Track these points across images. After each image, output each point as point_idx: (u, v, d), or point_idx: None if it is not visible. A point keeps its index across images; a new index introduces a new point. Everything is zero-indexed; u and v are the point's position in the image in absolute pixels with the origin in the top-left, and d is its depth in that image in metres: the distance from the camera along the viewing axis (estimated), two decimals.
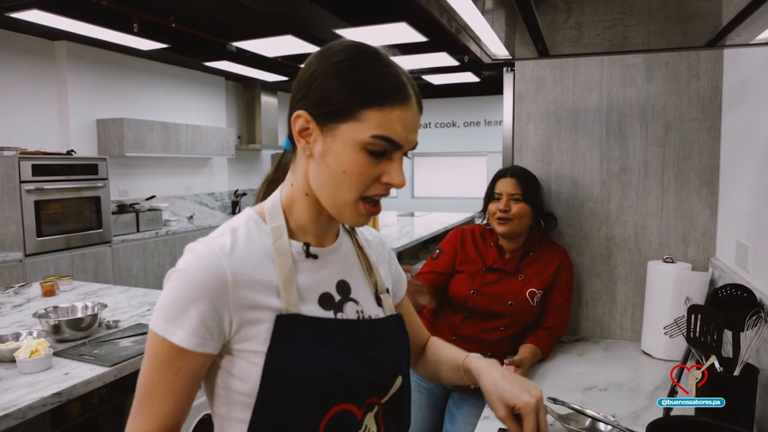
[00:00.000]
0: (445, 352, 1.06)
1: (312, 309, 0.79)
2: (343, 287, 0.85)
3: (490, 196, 1.76)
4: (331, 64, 0.75)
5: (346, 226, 0.93)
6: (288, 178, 0.84)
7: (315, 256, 0.82)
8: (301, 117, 0.76)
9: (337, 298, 0.83)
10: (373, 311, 0.88)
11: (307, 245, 0.82)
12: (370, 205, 0.78)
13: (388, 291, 0.93)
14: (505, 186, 1.71)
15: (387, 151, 0.75)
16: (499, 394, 0.87)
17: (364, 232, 0.98)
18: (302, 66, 0.79)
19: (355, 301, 0.86)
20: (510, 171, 1.76)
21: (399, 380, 0.87)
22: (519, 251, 1.75)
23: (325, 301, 0.82)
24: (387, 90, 0.73)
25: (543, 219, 1.80)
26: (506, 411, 0.86)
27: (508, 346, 1.67)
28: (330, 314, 0.81)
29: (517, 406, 0.85)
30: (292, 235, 0.82)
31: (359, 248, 0.93)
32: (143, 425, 0.74)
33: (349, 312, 0.84)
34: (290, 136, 0.81)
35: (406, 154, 0.79)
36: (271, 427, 0.75)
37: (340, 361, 0.78)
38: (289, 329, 0.75)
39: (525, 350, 1.62)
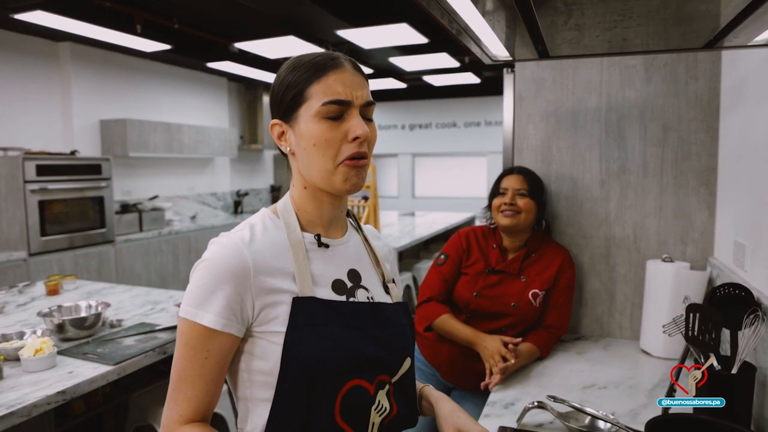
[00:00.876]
0: None
1: (326, 293, 0.87)
2: (354, 275, 0.93)
3: (496, 191, 1.77)
4: (278, 75, 0.89)
5: (353, 222, 1.02)
6: (291, 182, 0.94)
7: (326, 246, 0.91)
8: (275, 125, 0.89)
9: (349, 284, 0.91)
10: (382, 298, 0.96)
11: (318, 236, 0.90)
12: (351, 162, 0.84)
13: (394, 282, 1.02)
14: (512, 182, 1.73)
15: (342, 112, 0.84)
16: (455, 420, 0.94)
17: (373, 232, 1.07)
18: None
19: (366, 288, 0.93)
20: (516, 169, 1.78)
21: (408, 361, 0.94)
22: (521, 252, 1.76)
23: (338, 286, 0.89)
24: (319, 66, 0.85)
25: (545, 220, 1.81)
26: None
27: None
28: (343, 298, 0.89)
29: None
30: (303, 228, 0.90)
31: (367, 242, 1.01)
32: (179, 410, 0.81)
33: (361, 297, 0.92)
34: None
35: (367, 116, 0.86)
36: (293, 403, 0.81)
37: (353, 339, 0.85)
38: (305, 310, 0.82)
39: (522, 348, 1.63)
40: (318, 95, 0.83)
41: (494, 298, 1.71)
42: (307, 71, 0.84)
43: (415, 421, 0.99)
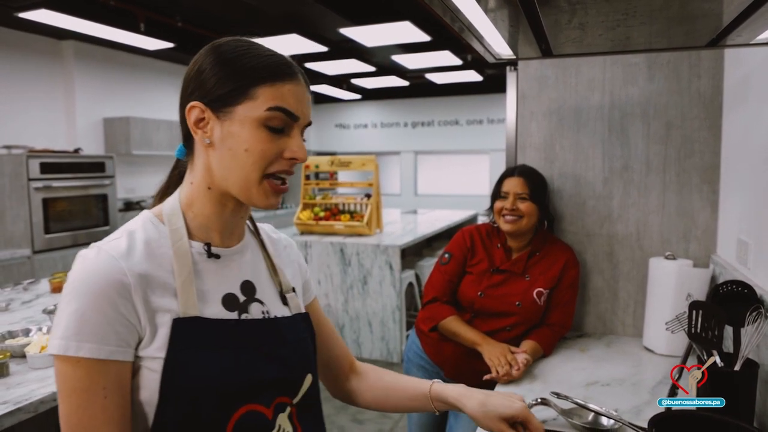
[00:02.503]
0: (393, 380, 1.04)
1: (215, 311, 0.78)
2: (248, 288, 0.84)
3: (497, 194, 1.76)
4: (219, 54, 0.77)
5: (251, 226, 0.93)
6: (186, 179, 0.83)
7: (217, 256, 0.81)
8: (196, 107, 0.77)
9: (242, 298, 0.82)
10: (279, 311, 0.87)
11: (208, 245, 0.80)
12: (276, 184, 0.78)
13: (294, 290, 0.92)
14: (512, 185, 1.72)
15: (285, 126, 0.77)
16: (492, 412, 0.89)
17: (270, 233, 0.97)
18: (189, 65, 0.81)
19: (261, 302, 0.84)
20: (517, 170, 1.76)
21: (309, 378, 0.86)
22: (526, 251, 1.76)
23: (229, 302, 0.80)
24: (275, 67, 0.76)
25: (548, 219, 1.81)
26: (505, 424, 0.89)
27: (513, 344, 1.68)
28: (234, 315, 0.79)
29: (514, 415, 0.89)
30: (192, 236, 0.80)
31: (263, 248, 0.91)
32: None
33: (255, 312, 0.82)
34: (185, 138, 0.83)
35: (302, 133, 0.80)
36: None
37: (243, 361, 0.76)
38: (187, 333, 0.73)
39: (525, 346, 1.64)
40: (266, 99, 0.74)
41: (499, 297, 1.71)
42: (259, 68, 0.75)
43: None
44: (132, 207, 5.37)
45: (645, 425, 1.06)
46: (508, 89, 2.01)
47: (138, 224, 0.78)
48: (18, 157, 4.10)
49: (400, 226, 5.02)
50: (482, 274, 1.74)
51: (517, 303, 1.69)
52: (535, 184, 1.73)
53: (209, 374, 0.72)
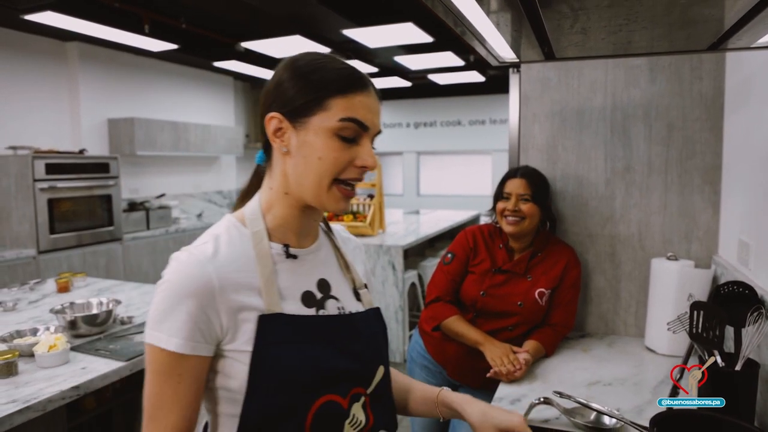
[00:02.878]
0: (407, 382, 1.09)
1: (295, 307, 0.83)
2: (324, 285, 0.90)
3: (499, 195, 1.77)
4: (296, 68, 0.82)
5: (324, 226, 0.98)
6: (265, 184, 0.89)
7: (294, 257, 0.87)
8: (275, 118, 0.82)
9: (319, 295, 0.88)
10: (353, 306, 0.92)
11: (286, 246, 0.86)
12: (346, 189, 0.83)
13: (366, 287, 0.98)
14: (515, 186, 1.72)
15: (356, 135, 0.81)
16: (491, 421, 0.94)
17: (341, 232, 1.03)
18: (268, 80, 0.86)
19: (336, 298, 0.90)
20: (520, 171, 1.76)
21: (381, 370, 0.91)
22: (528, 252, 1.77)
23: (307, 298, 0.86)
24: (347, 79, 0.81)
25: (550, 220, 1.82)
26: None
27: (515, 344, 1.69)
28: (312, 311, 0.85)
29: (510, 427, 0.93)
30: (271, 237, 0.85)
31: (336, 248, 0.97)
32: None
33: (331, 309, 0.88)
34: (264, 145, 0.88)
35: (372, 141, 0.85)
36: (261, 420, 0.78)
37: (323, 354, 0.82)
38: (272, 328, 0.79)
39: (527, 345, 1.65)
40: (338, 110, 0.79)
41: (501, 297, 1.72)
42: (332, 81, 0.80)
43: (394, 429, 0.96)
44: (136, 207, 5.39)
45: (647, 425, 1.07)
46: (511, 91, 2.02)
47: (222, 228, 0.85)
48: (23, 157, 4.13)
49: (403, 227, 5.03)
50: (484, 274, 1.75)
51: (519, 303, 1.71)
52: (538, 185, 1.74)
53: (292, 367, 0.78)
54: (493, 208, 1.80)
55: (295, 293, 0.85)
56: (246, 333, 0.78)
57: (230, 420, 0.80)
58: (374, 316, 0.95)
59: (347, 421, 0.84)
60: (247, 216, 0.86)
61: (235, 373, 0.78)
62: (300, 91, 0.80)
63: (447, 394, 1.03)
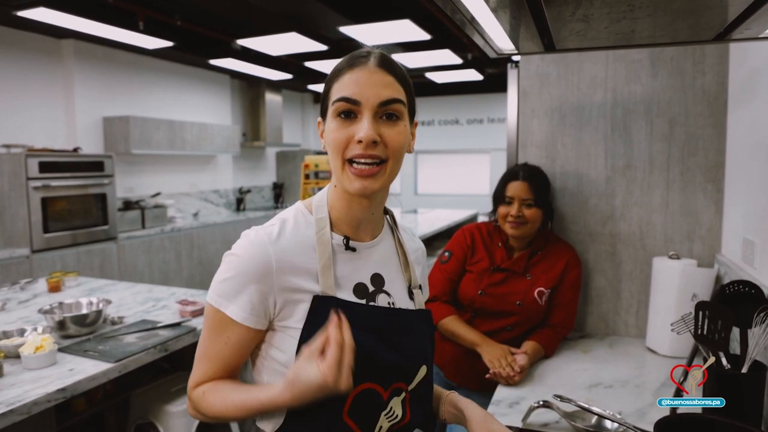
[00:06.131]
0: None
1: (347, 296, 0.88)
2: (378, 280, 0.93)
3: (501, 198, 1.71)
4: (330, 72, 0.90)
5: (390, 221, 1.01)
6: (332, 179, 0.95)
7: (353, 249, 0.91)
8: (319, 123, 0.91)
9: (371, 288, 0.91)
10: (404, 304, 0.95)
11: (347, 239, 0.90)
12: (355, 168, 0.84)
13: (420, 288, 1.00)
14: (517, 190, 1.66)
15: (351, 111, 0.84)
16: (488, 427, 0.94)
17: (407, 233, 1.06)
18: None
19: (388, 294, 0.93)
20: (522, 173, 1.69)
21: (424, 369, 0.93)
22: (527, 250, 1.73)
23: (359, 290, 0.90)
24: (343, 64, 0.86)
25: (551, 218, 1.77)
26: None
27: (514, 345, 1.65)
28: (363, 302, 0.89)
29: None
30: (334, 227, 0.90)
31: (399, 244, 1.00)
32: (196, 379, 0.88)
33: (381, 302, 0.92)
34: None
35: (392, 115, 0.85)
36: None
37: (369, 342, 0.84)
38: (323, 309, 0.82)
39: (526, 346, 1.61)
40: (335, 93, 0.85)
41: (499, 296, 1.68)
42: (334, 71, 0.87)
43: (430, 430, 0.98)
44: (131, 206, 5.34)
45: (649, 428, 1.03)
46: (510, 87, 1.98)
47: (290, 213, 0.91)
48: (17, 156, 4.08)
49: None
50: (483, 273, 1.71)
51: (518, 302, 1.67)
52: (540, 188, 1.68)
53: None
54: (494, 210, 1.75)
55: (349, 284, 0.89)
56: (300, 312, 0.84)
57: None
58: (424, 316, 0.97)
59: (384, 413, 0.87)
60: (314, 203, 0.92)
61: (285, 347, 0.84)
62: (323, 90, 0.89)
63: (454, 396, 1.03)
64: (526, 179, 1.68)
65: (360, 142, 0.82)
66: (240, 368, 0.90)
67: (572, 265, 1.73)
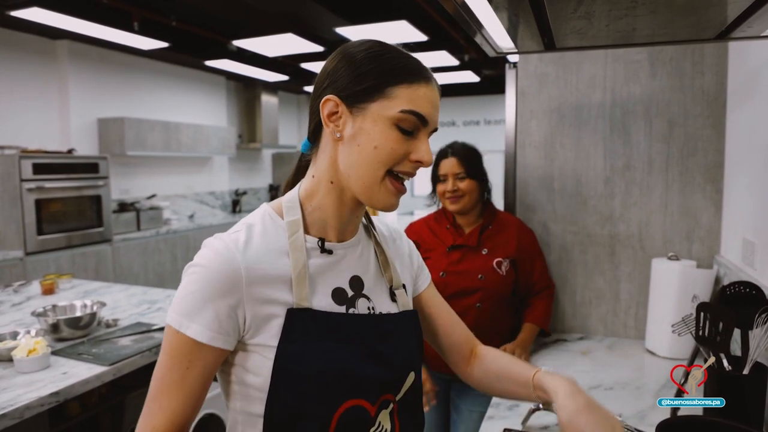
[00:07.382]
0: (505, 364, 1.00)
1: (325, 302, 0.80)
2: (357, 283, 0.85)
3: (436, 177, 1.79)
4: (358, 52, 0.78)
5: (365, 221, 0.93)
6: (309, 171, 0.85)
7: (330, 252, 0.83)
8: (331, 100, 0.78)
9: (350, 293, 0.84)
10: (386, 307, 0.88)
11: (322, 241, 0.82)
12: (398, 184, 0.80)
13: (404, 287, 0.93)
14: (448, 166, 1.75)
15: (415, 129, 0.78)
16: (576, 429, 0.82)
17: (381, 227, 0.97)
18: (325, 63, 0.82)
19: (367, 297, 0.86)
20: (450, 150, 1.78)
21: (411, 376, 0.87)
22: (477, 225, 1.79)
23: (337, 295, 0.82)
24: (412, 69, 0.78)
25: (487, 190, 1.83)
26: None
27: (486, 321, 1.68)
28: (342, 309, 0.81)
29: None
30: (307, 229, 0.82)
31: (377, 244, 0.92)
32: (152, 422, 0.75)
33: (361, 307, 0.84)
34: (312, 131, 0.83)
35: (428, 138, 0.81)
36: (285, 420, 0.75)
37: (351, 356, 0.78)
38: (299, 324, 0.76)
39: (521, 333, 1.69)
40: (401, 100, 0.76)
41: (461, 273, 1.72)
42: (397, 69, 0.77)
43: None
44: (126, 208, 5.31)
45: (650, 430, 1.02)
46: (508, 87, 1.97)
47: (257, 218, 0.82)
48: (10, 157, 4.04)
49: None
50: (440, 256, 1.76)
51: (479, 276, 1.71)
52: (470, 160, 1.75)
53: (317, 365, 0.75)
54: (434, 191, 1.83)
55: (326, 289, 0.81)
56: (273, 327, 0.76)
57: (254, 419, 0.78)
58: (408, 318, 0.90)
59: (372, 429, 0.81)
60: (284, 204, 0.83)
61: (261, 370, 0.76)
62: (361, 76, 0.77)
63: (541, 375, 0.91)
64: (455, 154, 1.76)
65: (418, 162, 0.79)
66: (202, 403, 0.79)
67: (524, 232, 1.81)
